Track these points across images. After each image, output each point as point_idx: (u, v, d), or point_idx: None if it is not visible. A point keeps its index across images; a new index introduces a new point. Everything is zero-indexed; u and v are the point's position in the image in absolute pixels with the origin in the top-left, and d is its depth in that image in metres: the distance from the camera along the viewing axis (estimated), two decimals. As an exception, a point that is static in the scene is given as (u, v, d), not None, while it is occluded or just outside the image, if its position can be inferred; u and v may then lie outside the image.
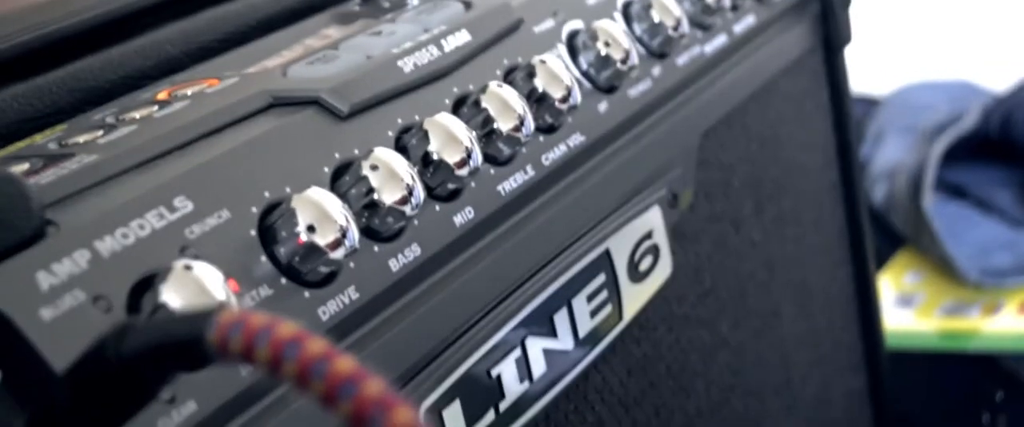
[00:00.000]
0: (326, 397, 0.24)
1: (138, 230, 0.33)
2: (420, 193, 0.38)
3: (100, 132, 0.38)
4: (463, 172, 0.40)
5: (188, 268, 0.32)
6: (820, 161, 0.67)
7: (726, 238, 0.59)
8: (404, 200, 0.38)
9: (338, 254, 0.35)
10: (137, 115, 0.39)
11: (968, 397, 0.95)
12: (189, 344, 0.26)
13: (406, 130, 0.41)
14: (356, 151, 0.39)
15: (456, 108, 0.42)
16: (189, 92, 0.41)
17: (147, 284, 0.32)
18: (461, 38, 0.44)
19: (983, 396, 0.94)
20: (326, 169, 0.38)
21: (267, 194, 0.36)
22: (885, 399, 0.73)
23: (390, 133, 0.40)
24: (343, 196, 0.37)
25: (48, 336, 0.30)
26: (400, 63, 0.42)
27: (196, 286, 0.32)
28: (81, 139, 0.37)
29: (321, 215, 0.35)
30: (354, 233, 0.36)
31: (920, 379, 0.96)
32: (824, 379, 0.69)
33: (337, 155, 0.38)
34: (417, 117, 0.41)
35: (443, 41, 0.43)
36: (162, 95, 0.42)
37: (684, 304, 0.55)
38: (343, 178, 0.38)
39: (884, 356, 0.73)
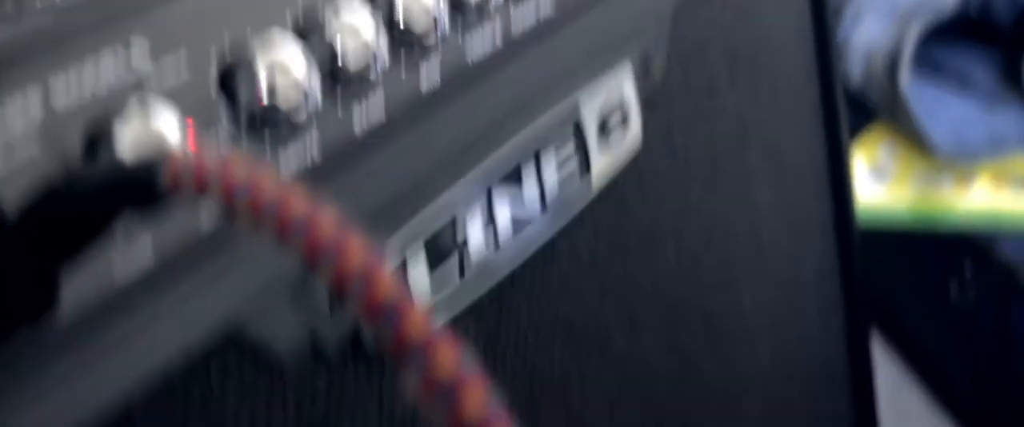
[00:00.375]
0: (280, 234, 0.23)
1: (93, 71, 0.32)
2: (384, 50, 0.38)
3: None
4: (430, 41, 0.39)
5: (144, 107, 0.31)
6: (796, 36, 0.67)
7: (699, 105, 0.58)
8: (367, 56, 0.37)
9: (300, 117, 0.35)
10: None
11: (937, 270, 0.96)
12: (142, 181, 0.25)
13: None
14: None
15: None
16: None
17: (103, 127, 0.32)
18: None
19: (952, 268, 0.94)
20: (288, 14, 0.37)
21: (226, 36, 0.35)
22: (854, 271, 0.74)
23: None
24: (306, 45, 0.36)
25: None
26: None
27: (153, 129, 0.31)
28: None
29: (284, 76, 0.34)
30: (317, 96, 0.35)
31: (890, 252, 0.96)
32: (795, 250, 0.69)
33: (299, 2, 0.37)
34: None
35: None
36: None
37: (655, 169, 0.55)
38: (305, 26, 0.37)
39: (856, 229, 0.73)
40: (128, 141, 0.31)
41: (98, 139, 0.31)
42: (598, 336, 0.51)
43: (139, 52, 0.33)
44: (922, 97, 1.00)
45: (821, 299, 0.72)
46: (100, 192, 0.27)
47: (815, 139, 0.70)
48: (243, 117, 0.35)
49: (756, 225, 0.64)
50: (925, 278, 0.96)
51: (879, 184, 0.97)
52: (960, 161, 0.96)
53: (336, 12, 0.37)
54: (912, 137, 1.00)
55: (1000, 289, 0.87)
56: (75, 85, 0.32)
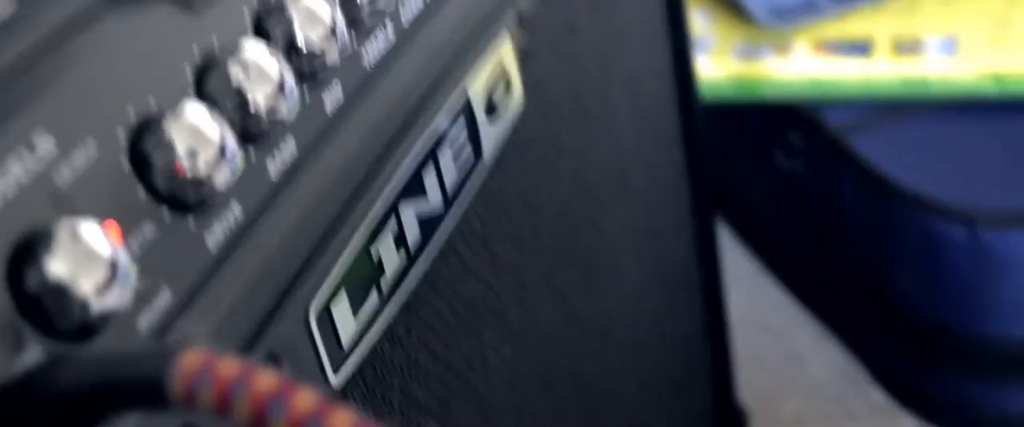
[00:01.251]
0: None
1: (3, 185, 0.29)
2: (292, 85, 0.35)
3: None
4: (331, 51, 0.37)
5: (73, 230, 0.29)
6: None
7: (561, 45, 0.57)
8: (276, 98, 0.35)
9: (222, 178, 0.32)
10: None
11: (764, 139, 0.97)
12: (145, 387, 0.23)
13: (264, 13, 0.37)
14: (216, 45, 0.35)
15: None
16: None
17: (25, 251, 0.29)
18: None
19: (777, 139, 0.96)
20: (188, 69, 0.34)
21: (131, 112, 0.32)
22: (702, 170, 0.74)
23: (247, 20, 0.36)
24: (213, 104, 0.33)
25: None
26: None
27: (83, 249, 0.29)
28: None
29: (198, 139, 0.32)
30: (235, 151, 0.33)
31: (717, 124, 0.98)
32: (651, 159, 0.69)
33: (196, 51, 0.35)
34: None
35: None
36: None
37: (529, 124, 0.53)
38: (209, 81, 0.34)
39: (701, 136, 0.73)
40: (59, 269, 0.28)
41: (22, 256, 0.29)
42: (495, 311, 0.51)
43: (44, 152, 0.30)
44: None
45: (674, 209, 0.73)
46: (91, 388, 0.24)
47: (661, 42, 0.70)
48: (163, 196, 0.32)
49: (618, 149, 0.64)
50: (752, 148, 0.98)
51: (701, 55, 0.97)
52: (778, 26, 0.97)
53: (237, 55, 0.34)
54: (729, 6, 1.01)
55: (827, 156, 0.90)
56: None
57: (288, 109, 0.35)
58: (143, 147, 0.32)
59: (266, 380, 0.22)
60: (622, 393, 0.66)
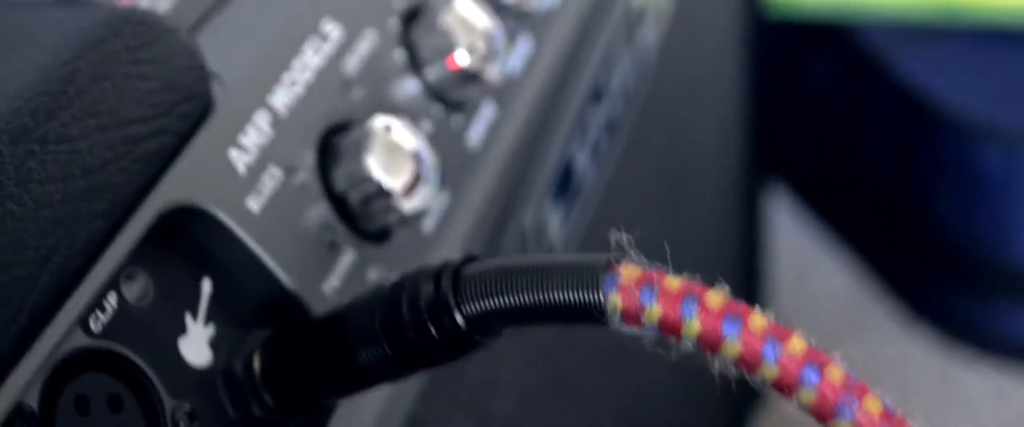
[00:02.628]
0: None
1: (301, 71, 0.27)
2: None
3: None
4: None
5: (388, 130, 0.27)
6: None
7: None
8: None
9: (492, 74, 0.30)
10: None
11: (790, 56, 0.97)
12: (580, 303, 0.21)
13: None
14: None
15: None
16: None
17: (329, 141, 0.27)
18: None
19: (807, 56, 0.95)
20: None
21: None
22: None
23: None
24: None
25: (262, 232, 0.25)
26: None
27: (398, 151, 0.27)
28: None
29: (470, 32, 0.30)
30: (502, 45, 0.31)
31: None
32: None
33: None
34: None
35: None
36: None
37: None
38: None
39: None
40: (377, 169, 0.26)
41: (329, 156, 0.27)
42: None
43: (334, 40, 0.28)
44: None
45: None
46: (522, 304, 0.21)
47: None
48: (433, 91, 0.30)
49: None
50: (780, 62, 0.96)
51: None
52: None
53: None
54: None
55: (860, 75, 0.89)
56: (290, 91, 0.27)
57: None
58: (415, 38, 0.30)
59: (716, 298, 0.20)
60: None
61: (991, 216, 0.86)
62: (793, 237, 1.02)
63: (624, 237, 0.21)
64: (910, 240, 0.91)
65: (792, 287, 0.98)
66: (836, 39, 0.91)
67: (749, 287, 0.82)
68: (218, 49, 0.26)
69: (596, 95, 0.40)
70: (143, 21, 0.24)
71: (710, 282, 0.21)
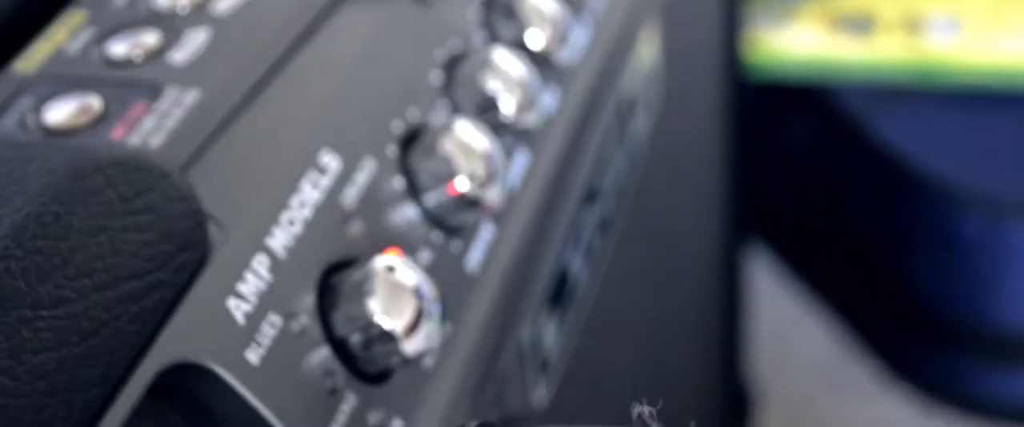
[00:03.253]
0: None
1: (299, 209, 0.26)
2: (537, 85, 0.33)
3: (156, 36, 0.29)
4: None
5: (389, 270, 0.26)
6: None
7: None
8: (526, 102, 0.32)
9: (493, 198, 0.30)
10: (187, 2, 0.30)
11: (769, 118, 0.96)
12: None
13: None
14: (459, 43, 0.32)
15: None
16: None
17: (329, 281, 0.26)
18: None
19: (785, 118, 0.95)
20: (436, 68, 0.31)
21: (397, 124, 0.29)
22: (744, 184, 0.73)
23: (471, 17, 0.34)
24: (482, 121, 0.31)
25: (262, 385, 0.24)
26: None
27: (399, 290, 0.26)
28: (140, 50, 0.29)
29: (471, 157, 0.29)
30: (501, 166, 0.30)
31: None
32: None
33: (437, 49, 0.32)
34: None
35: None
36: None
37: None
38: (455, 77, 0.32)
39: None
40: (379, 313, 0.26)
41: (327, 301, 0.26)
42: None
43: (332, 173, 0.27)
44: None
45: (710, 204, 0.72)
46: None
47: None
48: (432, 217, 0.29)
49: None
50: (759, 125, 0.96)
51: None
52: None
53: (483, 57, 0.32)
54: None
55: (838, 138, 0.89)
56: (288, 231, 0.26)
57: (535, 116, 0.33)
58: (413, 164, 0.29)
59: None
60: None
61: (971, 280, 0.86)
62: (773, 298, 1.01)
63: (646, 410, 0.21)
64: (890, 300, 0.91)
65: (773, 348, 0.97)
66: (814, 101, 0.91)
67: (731, 350, 0.82)
68: (214, 188, 0.25)
69: (590, 196, 0.40)
70: (138, 167, 0.23)
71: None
